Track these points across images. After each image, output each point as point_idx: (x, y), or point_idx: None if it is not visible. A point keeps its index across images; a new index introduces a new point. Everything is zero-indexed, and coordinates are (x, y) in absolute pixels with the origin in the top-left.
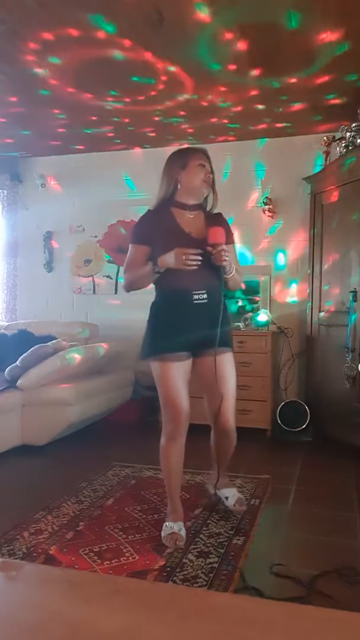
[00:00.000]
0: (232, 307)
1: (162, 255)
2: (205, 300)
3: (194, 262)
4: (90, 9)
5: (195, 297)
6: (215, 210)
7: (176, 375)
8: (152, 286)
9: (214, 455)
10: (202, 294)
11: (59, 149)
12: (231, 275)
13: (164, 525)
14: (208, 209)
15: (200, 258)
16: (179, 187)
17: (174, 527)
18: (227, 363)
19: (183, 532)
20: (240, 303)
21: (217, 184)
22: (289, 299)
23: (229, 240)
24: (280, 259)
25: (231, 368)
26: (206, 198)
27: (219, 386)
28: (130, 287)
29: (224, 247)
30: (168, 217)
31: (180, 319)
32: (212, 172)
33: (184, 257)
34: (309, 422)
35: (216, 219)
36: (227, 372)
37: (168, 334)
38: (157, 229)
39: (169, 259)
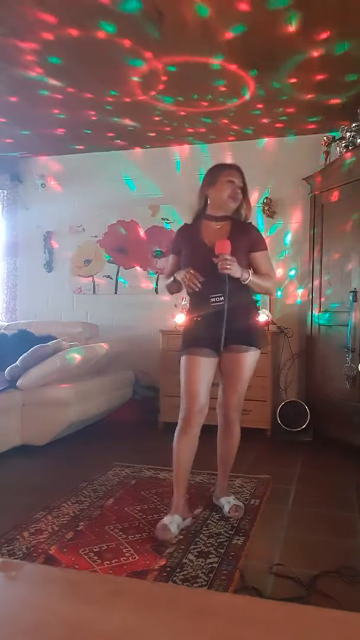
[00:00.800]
0: None
1: (178, 271)
2: (221, 302)
3: (196, 283)
4: (90, 9)
5: (213, 299)
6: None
7: (196, 368)
8: (152, 286)
9: (218, 458)
10: (219, 296)
11: (59, 149)
12: (248, 281)
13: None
14: (242, 219)
15: (201, 279)
16: (209, 202)
17: (166, 520)
18: (242, 361)
19: (174, 527)
20: None
21: None
22: (289, 299)
23: (258, 247)
24: (280, 259)
25: (245, 366)
26: (239, 210)
27: (226, 381)
28: (167, 291)
29: (227, 257)
30: (196, 229)
31: (201, 320)
32: (244, 185)
33: (188, 277)
34: (309, 422)
35: (243, 228)
36: (239, 370)
37: (192, 333)
38: (183, 240)
39: (180, 275)
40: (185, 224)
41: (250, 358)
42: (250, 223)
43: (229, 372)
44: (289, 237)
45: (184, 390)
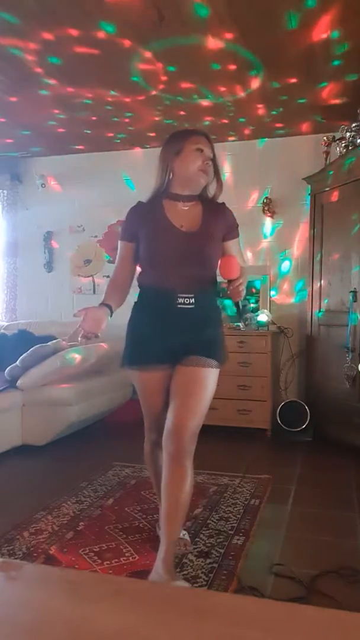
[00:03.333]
0: (232, 308)
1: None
2: (191, 306)
3: (80, 339)
4: (90, 9)
5: (180, 300)
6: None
7: (154, 387)
8: None
9: (160, 512)
10: (189, 297)
11: (59, 149)
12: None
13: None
14: (215, 199)
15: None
16: (171, 176)
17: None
18: (204, 376)
19: (187, 536)
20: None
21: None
22: (289, 299)
23: (234, 234)
24: (280, 259)
25: (208, 384)
26: (207, 187)
27: (181, 402)
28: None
29: (241, 281)
30: (157, 208)
31: (160, 327)
32: (213, 157)
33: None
34: (309, 422)
35: (217, 210)
36: (200, 387)
37: (146, 343)
38: (142, 222)
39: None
40: (141, 202)
41: (213, 375)
42: (224, 204)
43: (184, 389)
44: (288, 237)
45: (144, 410)
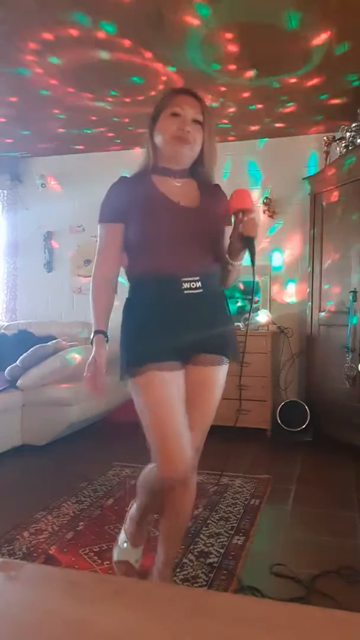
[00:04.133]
0: (232, 307)
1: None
2: (199, 290)
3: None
4: (90, 9)
5: (186, 285)
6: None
7: (167, 394)
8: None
9: (160, 531)
10: (195, 281)
11: (59, 149)
12: (239, 263)
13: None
14: (207, 173)
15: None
16: (158, 148)
17: (130, 554)
18: (214, 378)
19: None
20: (239, 303)
21: (217, 181)
22: (289, 299)
23: (227, 221)
24: (280, 259)
25: (217, 386)
26: (201, 162)
27: (190, 404)
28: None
29: (254, 215)
30: (147, 184)
31: (166, 317)
32: (204, 120)
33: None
34: (309, 422)
35: (213, 191)
36: (209, 392)
37: (150, 342)
38: (132, 197)
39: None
40: (125, 178)
41: (224, 374)
42: (219, 186)
43: (193, 395)
44: (288, 238)
45: (153, 437)
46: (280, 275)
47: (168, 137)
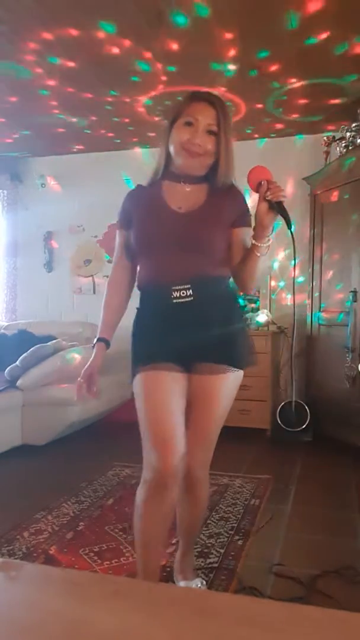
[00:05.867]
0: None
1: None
2: (189, 299)
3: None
4: (90, 9)
5: (175, 294)
6: None
7: (160, 389)
8: None
9: (177, 526)
10: (185, 289)
11: (59, 149)
12: (267, 245)
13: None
14: (220, 182)
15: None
16: (171, 153)
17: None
18: (215, 387)
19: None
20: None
21: None
22: (289, 299)
23: (245, 221)
24: (280, 259)
25: (220, 396)
26: (219, 170)
27: (189, 419)
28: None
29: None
30: (154, 190)
31: (157, 326)
32: (220, 128)
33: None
34: (309, 422)
35: (226, 192)
36: (210, 401)
37: (147, 347)
38: (136, 206)
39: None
40: (140, 185)
41: (228, 383)
42: (234, 186)
43: (193, 407)
44: (288, 238)
45: (147, 431)
46: (280, 275)
47: (178, 147)
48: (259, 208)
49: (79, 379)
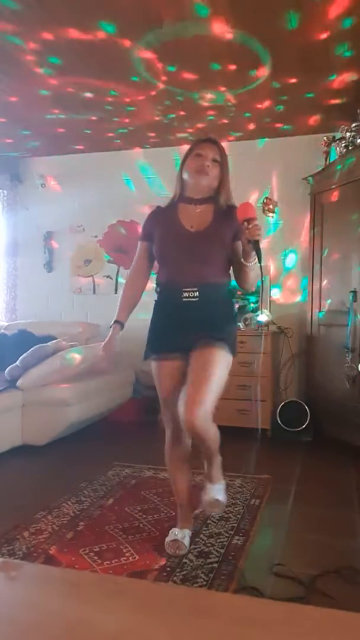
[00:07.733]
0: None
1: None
2: (196, 299)
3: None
4: (90, 9)
5: (185, 294)
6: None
7: (166, 373)
8: (152, 285)
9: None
10: (193, 291)
11: (59, 149)
12: (253, 264)
13: (171, 531)
14: (222, 203)
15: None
16: (185, 183)
17: (177, 535)
18: (212, 353)
19: (187, 541)
20: (239, 303)
21: None
22: (289, 299)
23: (238, 237)
24: (280, 259)
25: (215, 361)
26: (220, 192)
27: (190, 379)
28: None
29: (257, 222)
30: (172, 211)
31: (171, 320)
32: (221, 160)
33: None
34: (309, 422)
35: (226, 213)
36: (207, 363)
37: (160, 336)
38: (156, 223)
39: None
40: (159, 207)
41: (220, 356)
42: (233, 207)
43: (193, 364)
44: (288, 238)
45: (160, 401)
46: (281, 275)
47: (192, 170)
48: (242, 240)
49: (100, 351)
